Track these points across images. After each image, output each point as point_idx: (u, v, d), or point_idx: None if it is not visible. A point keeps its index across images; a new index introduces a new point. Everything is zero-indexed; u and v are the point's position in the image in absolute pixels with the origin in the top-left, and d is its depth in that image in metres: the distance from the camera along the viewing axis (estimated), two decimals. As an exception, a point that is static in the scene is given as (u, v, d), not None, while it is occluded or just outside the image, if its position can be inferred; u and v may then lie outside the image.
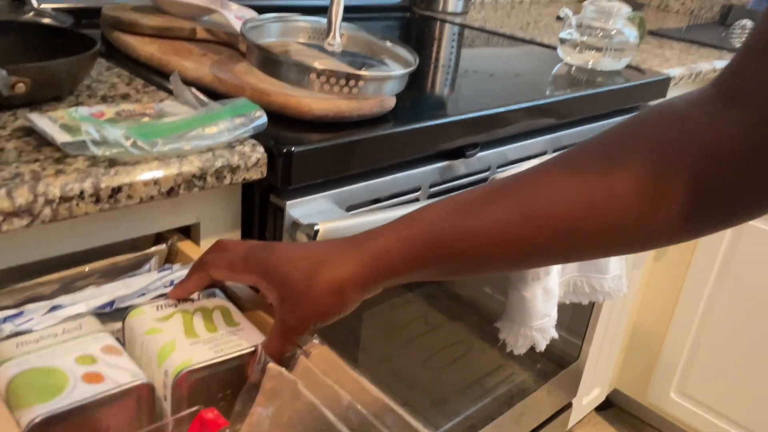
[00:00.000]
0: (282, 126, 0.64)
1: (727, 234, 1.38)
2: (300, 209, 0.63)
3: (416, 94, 0.87)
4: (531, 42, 1.29)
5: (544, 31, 1.41)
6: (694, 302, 1.46)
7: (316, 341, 0.47)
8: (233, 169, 0.57)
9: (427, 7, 1.50)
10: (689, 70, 1.19)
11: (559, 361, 1.30)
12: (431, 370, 1.02)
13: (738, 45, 1.41)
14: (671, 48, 1.37)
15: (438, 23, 1.42)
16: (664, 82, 1.10)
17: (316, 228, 0.60)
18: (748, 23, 1.43)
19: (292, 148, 0.60)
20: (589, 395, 1.52)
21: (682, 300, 1.48)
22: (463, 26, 1.41)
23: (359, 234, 0.47)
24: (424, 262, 0.46)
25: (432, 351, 1.00)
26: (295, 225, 0.62)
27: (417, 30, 1.38)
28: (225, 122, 0.57)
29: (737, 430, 1.45)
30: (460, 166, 0.81)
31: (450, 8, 1.50)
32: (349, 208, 0.69)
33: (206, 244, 0.63)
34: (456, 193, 0.49)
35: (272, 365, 0.44)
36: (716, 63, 1.26)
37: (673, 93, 1.19)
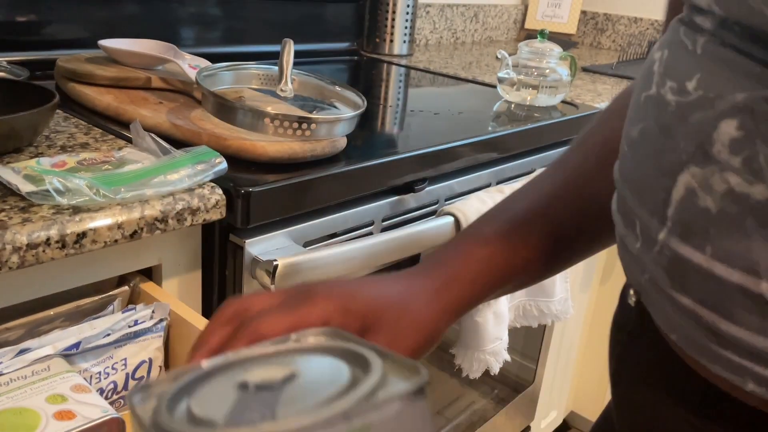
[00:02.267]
0: (239, 169, 0.68)
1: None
2: (259, 247, 0.66)
3: (366, 133, 0.92)
4: (473, 81, 1.36)
5: (485, 71, 1.49)
6: (639, 322, 1.53)
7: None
8: (193, 211, 0.60)
9: (374, 50, 1.57)
10: (619, 104, 1.27)
11: (515, 386, 1.34)
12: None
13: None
14: (603, 83, 1.47)
15: (385, 65, 1.48)
16: (596, 116, 1.17)
17: (275, 264, 0.63)
18: (671, 58, 1.54)
19: (249, 189, 0.63)
20: (546, 418, 1.57)
21: (628, 320, 1.55)
22: (408, 68, 1.47)
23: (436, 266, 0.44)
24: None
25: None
26: (255, 262, 0.65)
27: (365, 72, 1.44)
28: (187, 169, 0.60)
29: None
30: (410, 200, 0.85)
31: (396, 51, 1.57)
32: (307, 244, 0.72)
33: (168, 284, 0.65)
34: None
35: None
36: (644, 96, 1.36)
37: (606, 125, 1.27)
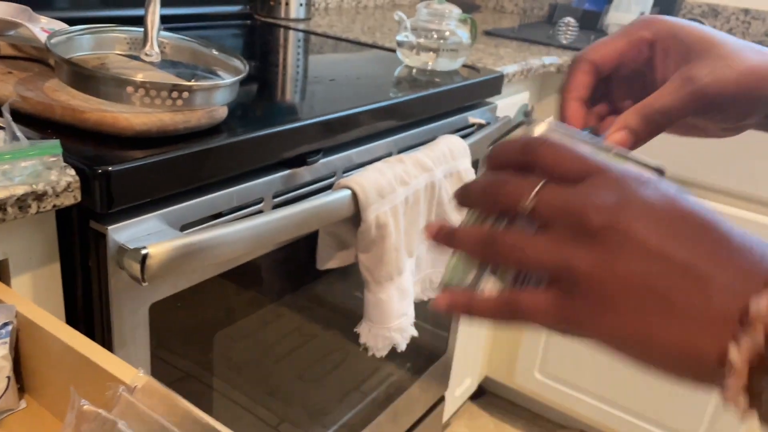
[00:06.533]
0: (99, 145, 0.59)
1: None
2: (126, 233, 0.59)
3: (254, 102, 0.85)
4: (374, 46, 1.30)
5: (387, 35, 1.43)
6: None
7: (141, 373, 0.43)
8: (39, 197, 0.51)
9: (269, 14, 1.48)
10: (521, 67, 1.25)
11: (429, 356, 1.32)
12: (308, 382, 1.00)
13: (564, 41, 1.51)
14: (505, 47, 1.45)
15: (281, 30, 1.40)
16: (499, 80, 1.15)
17: (144, 252, 0.56)
18: (571, 21, 1.53)
19: (109, 168, 0.55)
20: (461, 386, 1.57)
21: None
22: (307, 32, 1.40)
23: None
24: None
25: (308, 362, 0.98)
26: (122, 250, 0.58)
27: (260, 38, 1.35)
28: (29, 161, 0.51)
29: (596, 401, 1.55)
30: (305, 173, 0.79)
31: (293, 14, 1.48)
32: (185, 227, 0.65)
33: (18, 282, 0.57)
34: None
35: (88, 407, 0.40)
36: (545, 59, 1.35)
37: (507, 89, 1.25)
